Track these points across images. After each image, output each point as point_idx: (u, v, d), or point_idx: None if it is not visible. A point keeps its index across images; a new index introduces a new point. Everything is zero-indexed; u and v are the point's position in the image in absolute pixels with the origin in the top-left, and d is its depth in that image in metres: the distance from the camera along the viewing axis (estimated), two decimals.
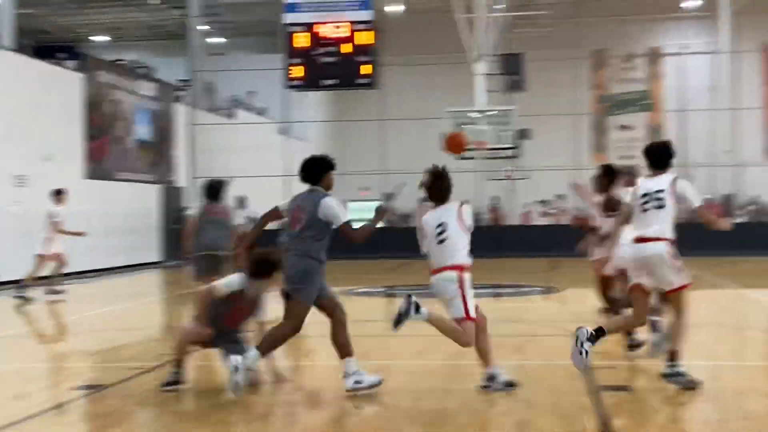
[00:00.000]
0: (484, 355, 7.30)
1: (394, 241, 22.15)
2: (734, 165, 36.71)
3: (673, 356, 7.18)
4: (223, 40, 43.47)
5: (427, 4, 38.99)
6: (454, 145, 9.35)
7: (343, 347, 7.29)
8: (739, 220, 33.63)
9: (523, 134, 26.49)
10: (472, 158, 26.75)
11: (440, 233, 7.20)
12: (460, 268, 7.15)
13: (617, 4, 38.76)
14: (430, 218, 7.32)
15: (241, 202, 20.82)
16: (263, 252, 7.62)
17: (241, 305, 7.55)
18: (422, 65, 34.86)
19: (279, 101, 30.60)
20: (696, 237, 24.45)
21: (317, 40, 24.74)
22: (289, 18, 25.04)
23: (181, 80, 30.84)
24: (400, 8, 38.77)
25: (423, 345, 9.34)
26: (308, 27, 24.76)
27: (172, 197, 27.59)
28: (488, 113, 26.07)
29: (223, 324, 7.45)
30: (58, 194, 16.13)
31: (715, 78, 37.78)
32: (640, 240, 7.36)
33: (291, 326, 7.34)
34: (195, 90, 30.67)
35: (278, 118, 32.44)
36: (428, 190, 7.45)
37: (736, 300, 15.15)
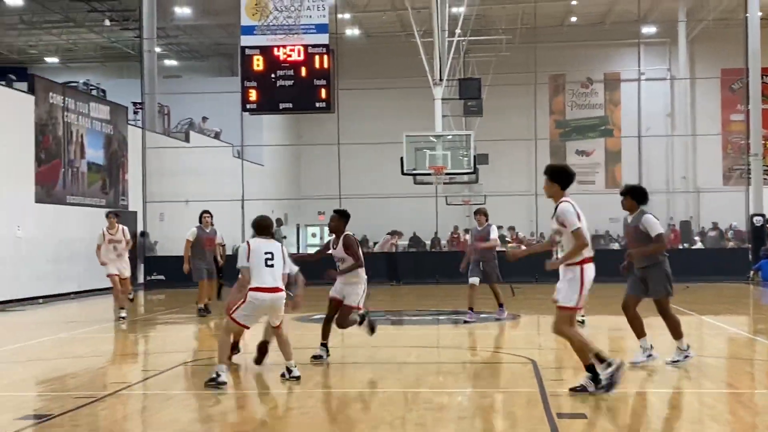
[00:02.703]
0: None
1: None
2: (691, 191, 37.19)
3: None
4: (177, 62, 43.45)
5: (384, 28, 39.20)
6: None
7: None
8: (698, 245, 34.03)
9: (479, 159, 26.56)
10: (430, 183, 26.86)
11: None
12: None
13: (574, 30, 39.17)
14: None
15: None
16: None
17: None
18: (379, 89, 34.93)
19: (235, 124, 30.41)
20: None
21: (274, 63, 24.59)
22: (246, 41, 24.91)
23: (134, 102, 30.64)
24: (356, 32, 38.99)
25: None
26: (265, 50, 24.61)
27: (124, 222, 27.12)
28: (446, 138, 26.11)
29: None
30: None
31: (673, 104, 38.30)
32: None
33: None
34: (148, 112, 30.48)
35: (234, 141, 32.32)
36: None
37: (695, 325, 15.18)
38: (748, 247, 28.24)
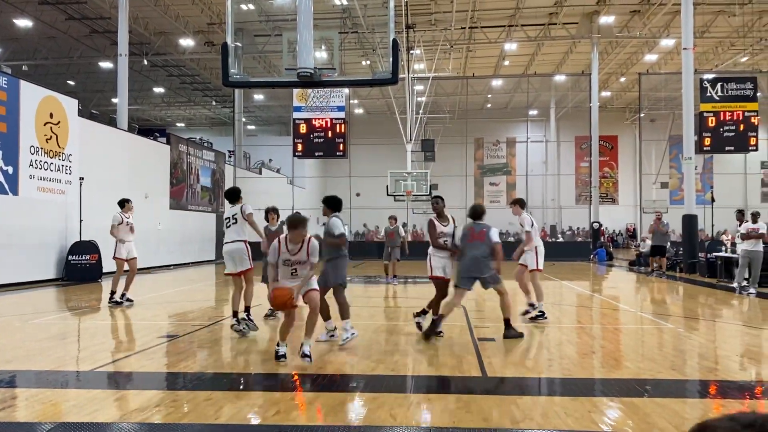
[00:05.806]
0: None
1: None
2: (557, 207, 37.36)
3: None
4: (255, 126, 43.34)
5: (378, 108, 39.33)
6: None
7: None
8: (560, 239, 34.19)
9: (432, 187, 26.65)
10: (404, 200, 26.89)
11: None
12: None
13: (489, 111, 39.47)
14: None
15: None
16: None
17: None
18: (374, 144, 34.95)
19: (289, 164, 30.22)
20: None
21: (312, 128, 24.45)
22: (296, 115, 24.77)
23: (229, 151, 30.51)
24: (361, 111, 39.00)
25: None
26: (307, 120, 24.52)
27: (221, 222, 27.12)
28: (413, 174, 26.21)
29: None
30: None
31: (546, 156, 38.55)
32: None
33: None
34: (237, 157, 30.38)
35: (288, 174, 32.18)
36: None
37: (557, 287, 15.22)
38: (590, 240, 28.44)
